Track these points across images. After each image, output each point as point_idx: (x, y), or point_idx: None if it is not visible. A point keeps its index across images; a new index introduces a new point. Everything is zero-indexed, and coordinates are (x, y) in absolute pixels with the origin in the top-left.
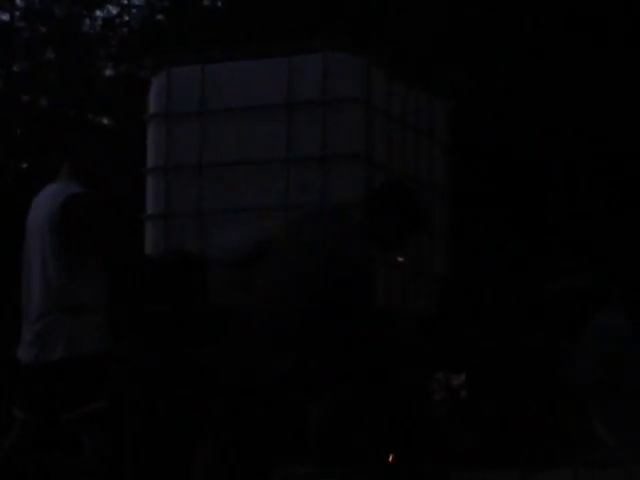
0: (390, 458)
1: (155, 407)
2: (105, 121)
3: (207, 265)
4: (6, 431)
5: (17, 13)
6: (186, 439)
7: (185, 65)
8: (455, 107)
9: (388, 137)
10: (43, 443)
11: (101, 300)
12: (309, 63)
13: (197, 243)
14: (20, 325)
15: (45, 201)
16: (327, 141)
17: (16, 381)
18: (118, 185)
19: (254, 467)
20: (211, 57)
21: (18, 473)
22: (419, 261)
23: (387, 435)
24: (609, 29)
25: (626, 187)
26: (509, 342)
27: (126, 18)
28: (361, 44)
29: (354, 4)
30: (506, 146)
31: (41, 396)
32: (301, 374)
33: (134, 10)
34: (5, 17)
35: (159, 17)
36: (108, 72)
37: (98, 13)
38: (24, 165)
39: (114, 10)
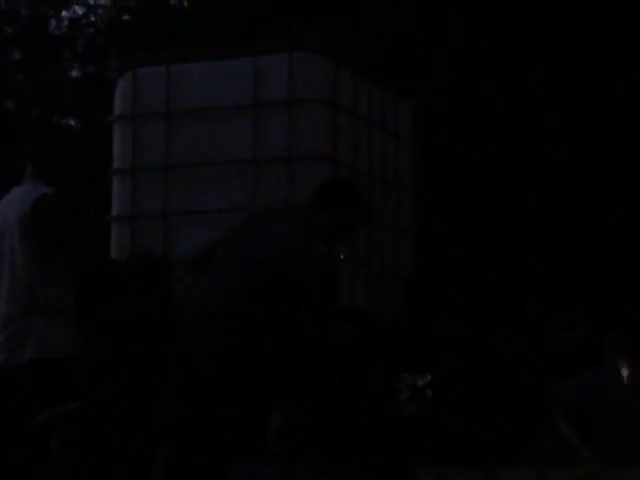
0: None
1: (121, 408)
2: (71, 122)
3: (172, 267)
4: None
5: None
6: (150, 440)
7: (151, 66)
8: (420, 106)
9: (354, 137)
10: (15, 446)
11: (70, 302)
12: (275, 63)
13: (163, 244)
14: None
15: (13, 203)
16: (293, 142)
17: None
18: (84, 186)
19: (209, 467)
20: (177, 58)
21: None
22: (385, 261)
23: (352, 435)
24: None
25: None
26: (476, 342)
27: (92, 18)
28: (327, 44)
29: (321, 4)
30: (474, 144)
31: (12, 399)
32: (242, 375)
33: (100, 10)
34: None
35: (125, 17)
36: (74, 73)
37: (64, 13)
38: None
39: (80, 10)
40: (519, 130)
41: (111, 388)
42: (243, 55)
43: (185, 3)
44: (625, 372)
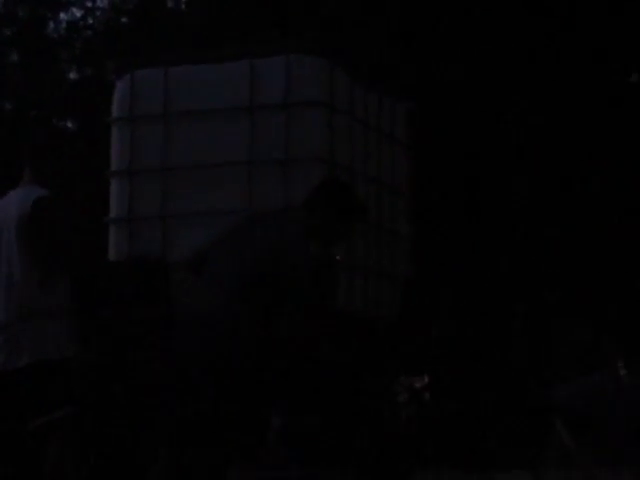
0: None
1: (119, 410)
2: (69, 124)
3: (169, 268)
4: None
5: None
6: (151, 442)
7: (149, 68)
8: (415, 109)
9: (350, 139)
10: (12, 450)
11: (67, 305)
12: (272, 66)
13: (160, 246)
14: None
15: (10, 206)
16: (290, 144)
17: None
18: (82, 188)
19: (207, 469)
20: (175, 60)
21: None
22: (382, 262)
23: (351, 438)
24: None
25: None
26: (472, 343)
27: (90, 21)
28: (323, 47)
29: (318, 7)
30: (469, 146)
31: (8, 403)
32: (240, 377)
33: (98, 13)
34: None
35: (123, 20)
36: (72, 75)
37: (62, 16)
38: None
39: (78, 13)
40: (513, 126)
41: (109, 391)
42: (240, 57)
43: (183, 6)
44: (624, 372)
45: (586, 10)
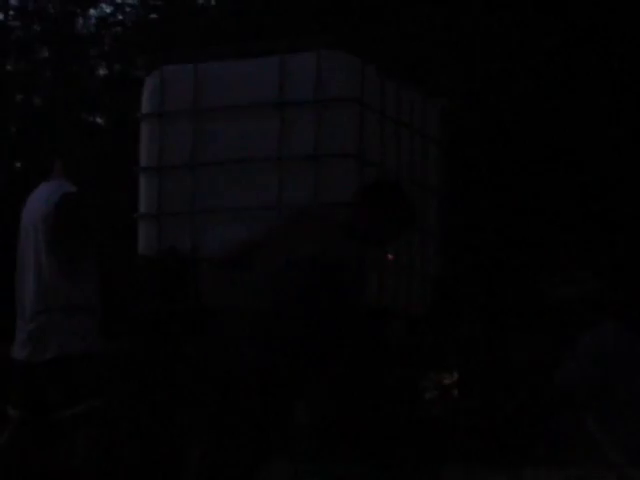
0: None
1: (149, 405)
2: (98, 120)
3: (199, 264)
4: (0, 430)
5: (11, 12)
6: (181, 435)
7: (178, 64)
8: (448, 106)
9: (381, 136)
10: (37, 442)
11: (94, 300)
12: (302, 61)
13: (190, 242)
14: (15, 324)
15: (39, 200)
16: (320, 140)
17: (10, 380)
18: (111, 184)
19: (243, 460)
20: (204, 56)
21: (13, 472)
22: (412, 260)
23: (376, 433)
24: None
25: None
26: (502, 340)
27: (120, 17)
28: (355, 42)
29: (349, 3)
30: (501, 145)
31: (35, 395)
32: (281, 373)
33: (128, 9)
34: None
35: (153, 16)
36: (102, 71)
37: (92, 12)
38: (18, 164)
39: (108, 9)
40: (544, 127)
41: (137, 386)
42: (270, 53)
43: (212, 2)
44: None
45: None
